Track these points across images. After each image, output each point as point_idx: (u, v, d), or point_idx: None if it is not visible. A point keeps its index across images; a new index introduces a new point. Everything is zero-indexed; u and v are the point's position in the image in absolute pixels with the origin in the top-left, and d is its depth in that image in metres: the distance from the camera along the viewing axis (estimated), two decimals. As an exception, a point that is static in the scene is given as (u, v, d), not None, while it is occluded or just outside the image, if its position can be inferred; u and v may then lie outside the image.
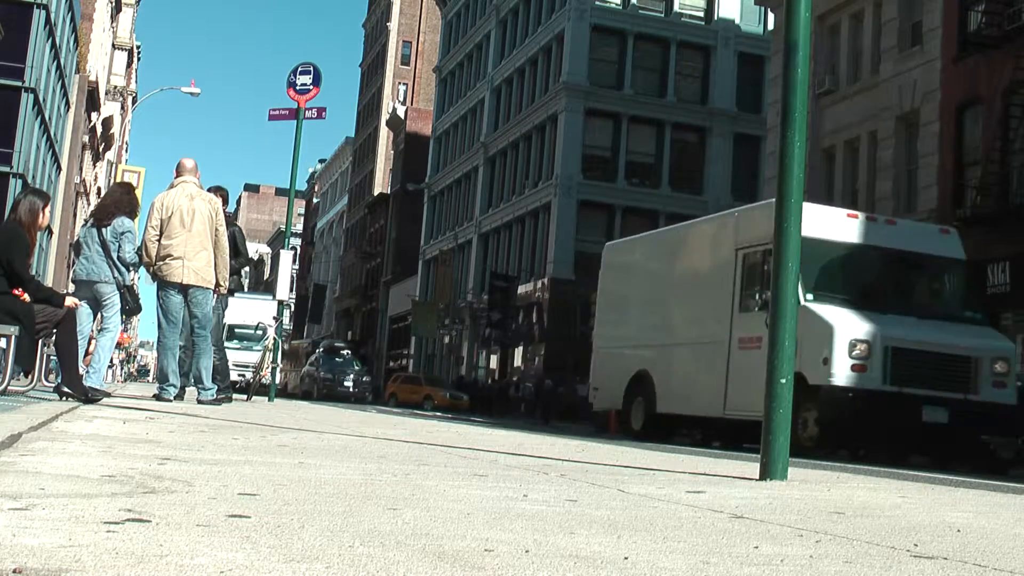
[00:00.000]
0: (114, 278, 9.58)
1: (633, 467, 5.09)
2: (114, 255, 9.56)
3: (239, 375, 31.55)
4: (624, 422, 16.90)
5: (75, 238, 11.18)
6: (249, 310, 34.85)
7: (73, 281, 9.95)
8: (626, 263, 18.29)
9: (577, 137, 43.36)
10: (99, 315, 9.81)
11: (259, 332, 34.20)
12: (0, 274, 8.08)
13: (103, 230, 9.61)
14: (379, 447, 5.41)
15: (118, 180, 45.43)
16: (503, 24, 53.72)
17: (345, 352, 44.62)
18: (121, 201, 9.99)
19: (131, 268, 9.93)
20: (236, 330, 34.11)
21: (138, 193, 47.18)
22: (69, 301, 8.69)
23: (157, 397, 10.20)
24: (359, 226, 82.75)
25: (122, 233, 9.65)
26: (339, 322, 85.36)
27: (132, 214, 10.02)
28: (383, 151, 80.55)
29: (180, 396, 10.59)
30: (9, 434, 3.75)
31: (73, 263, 10.23)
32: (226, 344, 35.67)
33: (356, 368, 42.49)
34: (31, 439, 3.98)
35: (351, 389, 39.50)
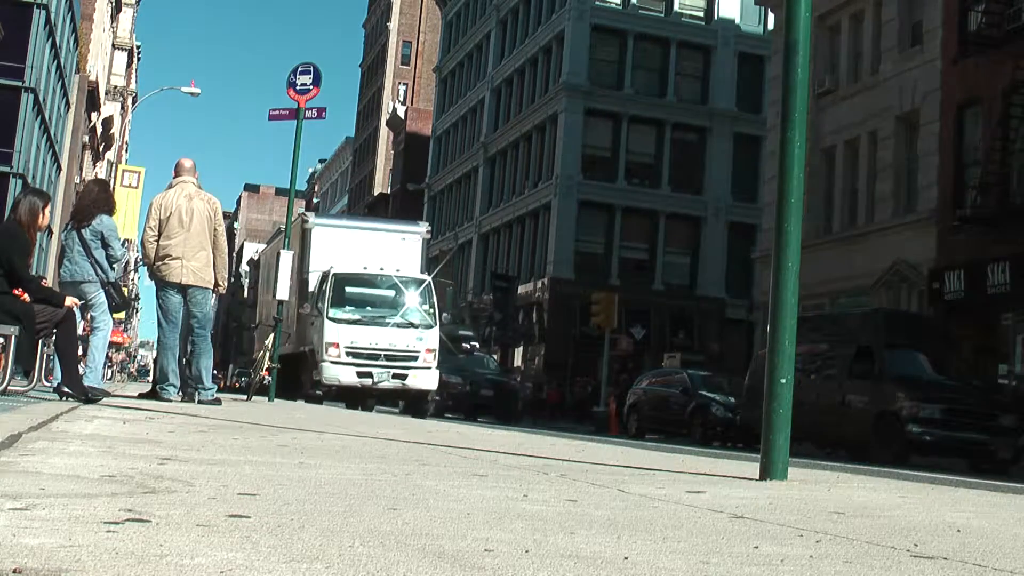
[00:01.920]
0: (97, 276, 9.56)
1: (633, 467, 5.09)
2: (95, 254, 9.53)
3: (360, 372, 18.76)
4: None
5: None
6: (375, 250, 20.57)
7: (60, 284, 9.92)
8: None
9: (577, 137, 43.36)
10: (88, 315, 9.79)
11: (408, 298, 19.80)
12: (0, 274, 8.08)
13: (83, 230, 9.60)
14: (379, 447, 5.40)
15: (118, 180, 45.43)
16: (503, 24, 53.72)
17: (471, 344, 31.34)
18: (99, 200, 9.96)
19: (116, 266, 9.89)
20: (349, 289, 19.57)
21: (138, 193, 45.52)
22: (69, 301, 8.69)
23: (157, 397, 10.20)
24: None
25: (104, 232, 9.62)
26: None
27: (111, 211, 9.99)
28: (383, 151, 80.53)
29: (187, 395, 10.53)
30: (9, 434, 3.75)
31: (58, 266, 10.16)
32: (333, 313, 18.71)
33: (493, 368, 29.90)
34: (31, 439, 3.98)
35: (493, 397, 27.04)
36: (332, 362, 18.67)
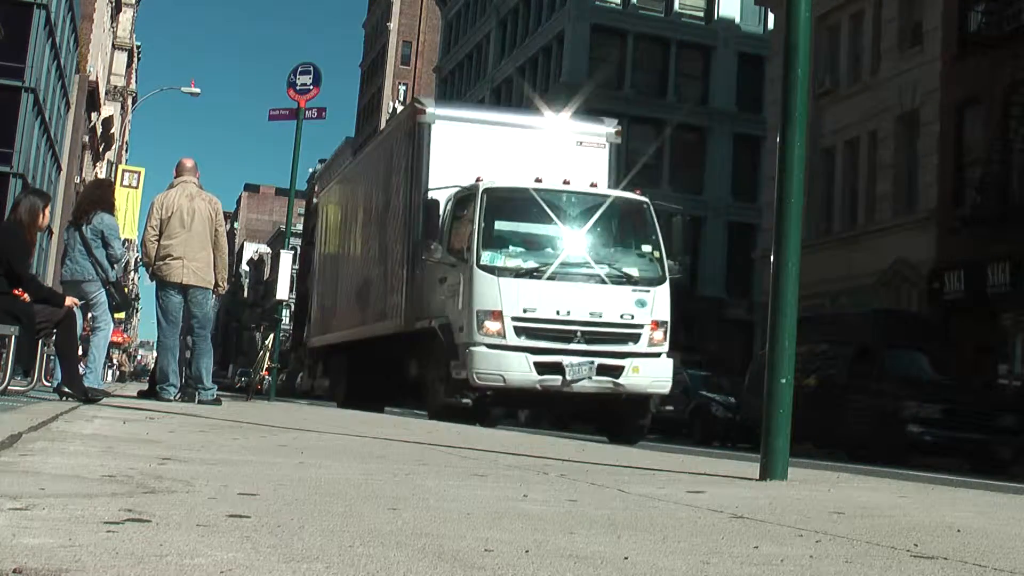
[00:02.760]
0: (98, 275, 9.56)
1: (633, 467, 5.09)
2: (96, 252, 9.54)
3: (542, 363, 11.28)
4: None
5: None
6: (538, 161, 12.65)
7: (61, 283, 9.94)
8: None
9: (577, 137, 43.29)
10: (89, 315, 9.80)
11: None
12: (0, 274, 8.08)
13: (83, 228, 9.61)
14: (379, 447, 5.40)
15: (118, 180, 45.41)
16: (503, 24, 53.71)
17: None
18: (99, 198, 9.98)
19: (117, 265, 9.90)
20: (510, 221, 12.30)
21: (138, 193, 45.44)
22: (69, 301, 8.70)
23: (157, 397, 10.20)
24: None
25: (104, 231, 9.62)
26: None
27: (111, 210, 10.00)
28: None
29: (187, 395, 10.53)
30: (9, 434, 3.75)
31: (60, 266, 10.20)
32: (488, 258, 11.30)
33: None
34: (31, 439, 3.98)
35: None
36: (490, 346, 11.10)
